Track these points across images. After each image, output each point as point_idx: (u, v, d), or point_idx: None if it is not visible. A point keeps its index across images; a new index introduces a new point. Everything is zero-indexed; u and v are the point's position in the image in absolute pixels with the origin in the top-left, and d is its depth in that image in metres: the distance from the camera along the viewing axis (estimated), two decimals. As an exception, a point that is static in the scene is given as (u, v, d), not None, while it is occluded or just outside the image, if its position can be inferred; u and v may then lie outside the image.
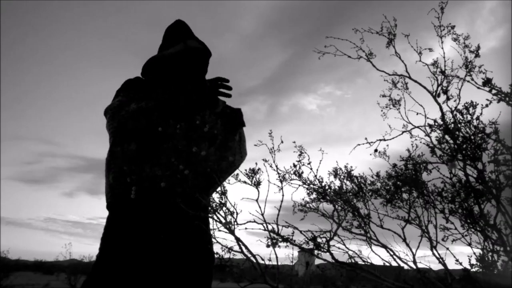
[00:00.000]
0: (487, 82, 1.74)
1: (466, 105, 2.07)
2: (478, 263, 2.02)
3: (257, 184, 1.62)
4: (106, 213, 1.44)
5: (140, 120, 1.25)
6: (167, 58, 1.39)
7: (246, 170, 1.83)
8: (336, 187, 2.72)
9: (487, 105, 1.89)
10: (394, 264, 2.49)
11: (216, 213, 1.35)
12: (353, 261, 2.37)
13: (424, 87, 2.34)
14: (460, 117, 2.10)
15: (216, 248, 1.48)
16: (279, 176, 2.45)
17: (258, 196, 1.61)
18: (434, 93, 2.27)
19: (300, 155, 2.59)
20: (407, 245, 2.37)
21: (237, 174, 1.72)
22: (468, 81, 2.06)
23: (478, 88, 1.93)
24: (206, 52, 1.48)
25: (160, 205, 1.29)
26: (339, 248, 2.41)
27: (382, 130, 2.55)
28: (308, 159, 2.60)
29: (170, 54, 1.40)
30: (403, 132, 2.45)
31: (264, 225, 1.92)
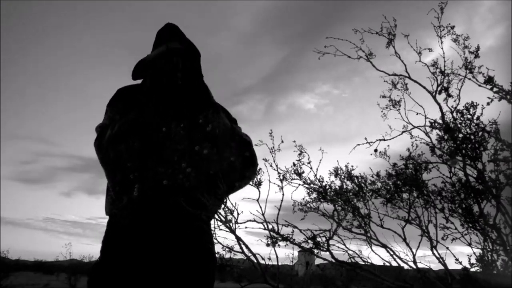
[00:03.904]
0: (489, 80, 1.75)
1: (466, 105, 2.07)
2: (478, 263, 2.03)
3: (258, 184, 1.63)
4: (105, 213, 1.44)
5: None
6: (150, 61, 1.38)
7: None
8: (337, 187, 2.72)
9: (488, 104, 1.88)
10: (394, 264, 2.49)
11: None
12: (353, 260, 2.37)
13: (424, 87, 2.34)
14: (461, 117, 2.10)
15: (217, 248, 1.48)
16: (279, 176, 2.45)
17: (259, 196, 1.61)
18: (434, 93, 2.27)
19: (300, 154, 2.59)
20: (407, 245, 2.37)
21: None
22: (469, 79, 2.06)
23: (479, 85, 1.93)
24: (190, 52, 1.46)
25: (161, 204, 1.29)
26: (339, 247, 2.41)
27: (381, 129, 2.55)
28: (308, 158, 2.61)
29: (152, 57, 1.41)
30: (402, 132, 2.45)
31: (264, 224, 1.92)
